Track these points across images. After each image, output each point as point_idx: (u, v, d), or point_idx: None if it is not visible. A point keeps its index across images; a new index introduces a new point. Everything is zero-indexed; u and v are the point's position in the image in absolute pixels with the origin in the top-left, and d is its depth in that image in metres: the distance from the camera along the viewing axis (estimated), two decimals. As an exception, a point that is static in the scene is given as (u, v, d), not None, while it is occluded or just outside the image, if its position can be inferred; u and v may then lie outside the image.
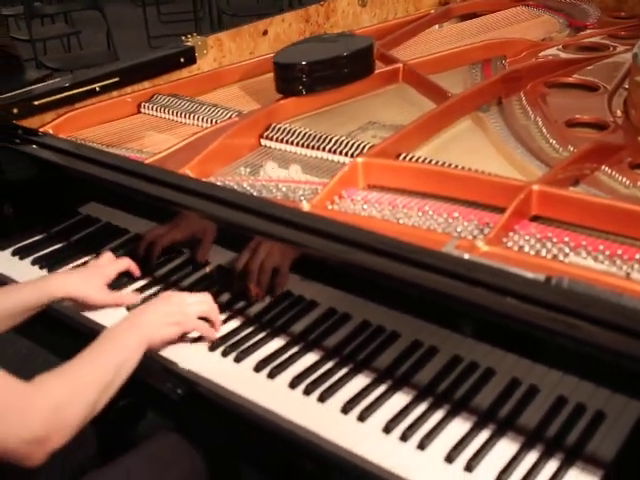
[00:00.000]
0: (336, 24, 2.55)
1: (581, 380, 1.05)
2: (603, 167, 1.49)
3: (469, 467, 1.04)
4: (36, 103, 1.80)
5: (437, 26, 2.53)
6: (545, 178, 1.37)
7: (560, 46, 2.26)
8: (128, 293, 1.46)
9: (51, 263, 1.59)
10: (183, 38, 2.18)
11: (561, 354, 1.06)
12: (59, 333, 1.45)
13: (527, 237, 1.24)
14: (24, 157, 1.69)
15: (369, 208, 1.38)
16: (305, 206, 1.35)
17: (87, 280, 1.42)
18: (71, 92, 1.87)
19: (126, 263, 1.49)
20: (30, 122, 1.78)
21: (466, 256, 1.13)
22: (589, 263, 1.16)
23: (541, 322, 1.01)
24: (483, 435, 1.09)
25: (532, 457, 1.05)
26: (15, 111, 1.76)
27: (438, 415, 1.13)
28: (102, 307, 1.41)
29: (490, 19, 2.52)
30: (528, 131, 1.70)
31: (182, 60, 2.09)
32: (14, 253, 1.64)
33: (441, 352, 1.18)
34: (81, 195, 1.68)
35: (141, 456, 1.28)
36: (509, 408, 1.11)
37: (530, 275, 1.06)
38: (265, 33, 2.35)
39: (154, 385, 1.31)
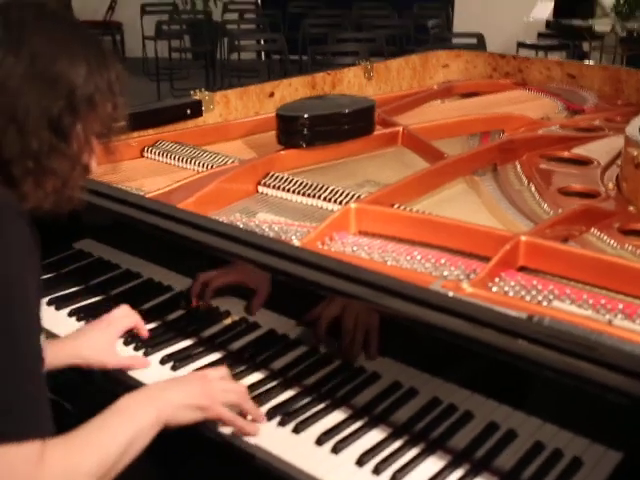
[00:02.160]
0: (341, 93, 2.63)
1: (560, 429, 1.05)
2: (592, 230, 1.51)
3: (441, 502, 1.02)
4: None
5: (439, 101, 2.60)
6: (533, 231, 1.39)
7: (558, 126, 2.32)
8: (140, 357, 1.37)
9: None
10: (192, 92, 2.25)
11: (542, 399, 1.06)
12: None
13: (512, 283, 1.25)
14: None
15: (358, 250, 1.39)
16: (296, 243, 1.37)
17: (97, 349, 1.34)
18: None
19: (134, 321, 1.42)
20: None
21: (450, 294, 1.14)
22: (572, 309, 1.16)
23: (524, 358, 1.01)
24: (458, 473, 1.08)
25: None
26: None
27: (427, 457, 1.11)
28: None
29: (491, 98, 2.60)
30: (521, 195, 1.73)
31: (189, 112, 2.15)
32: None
33: (420, 394, 1.18)
34: (76, 229, 1.70)
35: None
36: (485, 449, 1.10)
37: (513, 313, 1.07)
38: (272, 95, 2.42)
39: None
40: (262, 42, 7.16)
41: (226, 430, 1.16)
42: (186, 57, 8.24)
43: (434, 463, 1.09)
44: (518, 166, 1.91)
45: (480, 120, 2.20)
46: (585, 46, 7.63)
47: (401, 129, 2.04)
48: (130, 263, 1.58)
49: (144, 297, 1.53)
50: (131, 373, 1.33)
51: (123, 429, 1.04)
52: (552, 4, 7.92)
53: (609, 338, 0.99)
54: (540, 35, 7.89)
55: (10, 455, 0.91)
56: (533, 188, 1.75)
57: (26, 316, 0.98)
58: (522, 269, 1.33)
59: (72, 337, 1.38)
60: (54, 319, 1.50)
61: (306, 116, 1.82)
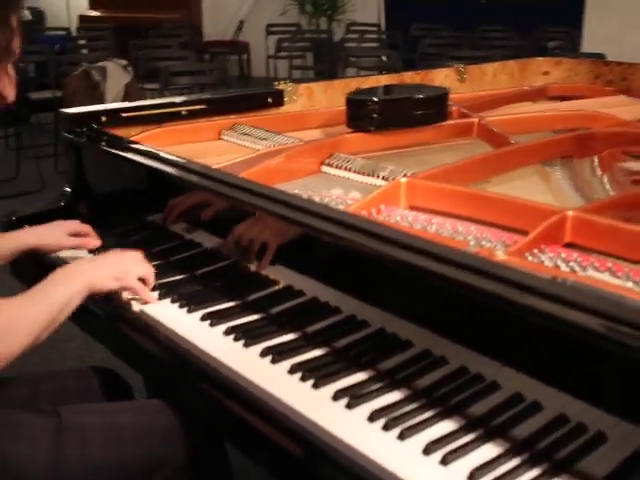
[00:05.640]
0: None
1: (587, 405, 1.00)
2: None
3: (444, 460, 0.99)
4: (124, 115, 1.93)
5: (530, 102, 2.54)
6: (584, 207, 1.33)
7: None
8: (90, 239, 1.68)
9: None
10: (275, 83, 2.29)
11: (571, 373, 1.01)
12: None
13: (551, 254, 1.20)
14: (105, 157, 1.81)
15: (402, 221, 1.38)
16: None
17: (50, 233, 1.65)
18: (158, 111, 1.99)
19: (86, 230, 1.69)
20: (116, 132, 1.90)
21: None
22: (605, 278, 1.10)
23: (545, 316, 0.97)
24: (469, 436, 1.04)
25: (515, 461, 0.99)
26: (103, 119, 1.89)
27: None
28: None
29: (586, 102, 2.51)
30: (590, 185, 1.66)
31: (269, 100, 2.19)
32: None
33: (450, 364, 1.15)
34: (151, 204, 1.77)
35: (126, 405, 1.43)
36: (505, 417, 1.06)
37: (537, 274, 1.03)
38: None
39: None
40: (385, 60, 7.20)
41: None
42: (307, 76, 8.42)
43: (448, 426, 1.06)
44: (596, 160, 1.83)
45: (564, 116, 2.12)
46: None
47: (477, 120, 2.00)
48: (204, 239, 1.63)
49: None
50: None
51: (60, 294, 1.29)
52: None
53: (632, 299, 0.93)
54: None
55: None
56: (605, 179, 1.68)
57: None
58: (569, 246, 1.28)
59: (22, 230, 1.73)
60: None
61: (375, 99, 1.83)
